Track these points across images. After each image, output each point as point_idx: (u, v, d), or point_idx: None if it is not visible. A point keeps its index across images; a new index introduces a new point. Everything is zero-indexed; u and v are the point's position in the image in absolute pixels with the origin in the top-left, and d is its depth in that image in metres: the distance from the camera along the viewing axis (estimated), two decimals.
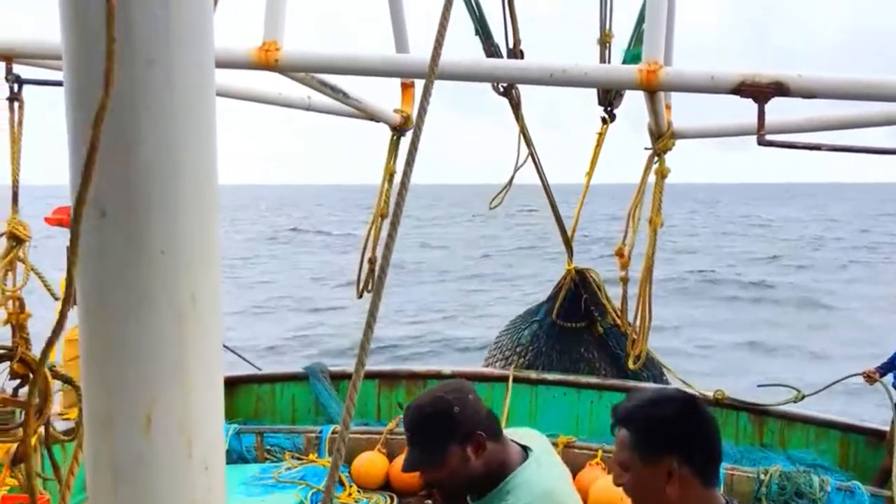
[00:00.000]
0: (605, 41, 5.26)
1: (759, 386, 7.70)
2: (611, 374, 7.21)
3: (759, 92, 3.11)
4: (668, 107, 5.14)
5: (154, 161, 1.38)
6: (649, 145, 5.26)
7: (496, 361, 7.58)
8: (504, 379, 7.24)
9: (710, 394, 6.74)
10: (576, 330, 7.36)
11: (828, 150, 3.07)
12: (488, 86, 5.26)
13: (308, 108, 4.89)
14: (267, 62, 3.48)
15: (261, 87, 4.67)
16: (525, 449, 2.46)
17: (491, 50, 5.02)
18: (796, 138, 3.62)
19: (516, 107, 5.86)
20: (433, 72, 1.53)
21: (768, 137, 3.12)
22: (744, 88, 3.13)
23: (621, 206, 7.65)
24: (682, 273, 33.30)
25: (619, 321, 7.00)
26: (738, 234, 58.82)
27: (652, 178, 5.35)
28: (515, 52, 5.01)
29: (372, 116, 5.28)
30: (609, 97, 5.55)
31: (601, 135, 6.03)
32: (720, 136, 5.26)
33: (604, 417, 7.03)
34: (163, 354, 1.37)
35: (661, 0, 3.46)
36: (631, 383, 7.03)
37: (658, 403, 1.95)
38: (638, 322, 6.09)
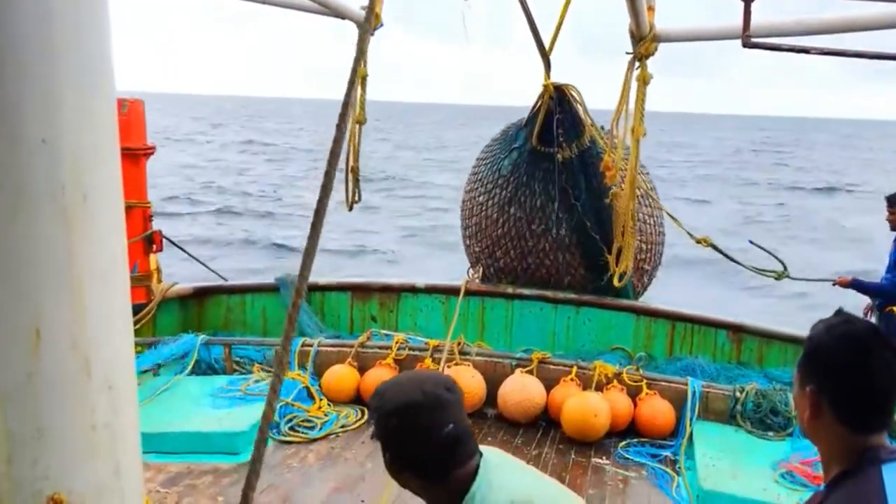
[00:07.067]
0: None
1: (749, 242, 7.28)
2: (588, 204, 6.70)
3: None
4: (651, 9, 4.88)
5: (30, 31, 1.18)
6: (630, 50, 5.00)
7: (479, 196, 7.27)
8: (480, 293, 7.14)
9: (698, 236, 6.57)
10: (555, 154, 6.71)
11: (817, 53, 2.86)
12: None
13: (272, 3, 4.61)
14: None
15: None
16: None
17: None
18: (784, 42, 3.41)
19: None
20: None
21: (754, 39, 2.90)
22: None
23: None
24: None
25: (600, 141, 6.43)
26: None
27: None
28: None
29: (337, 13, 4.98)
30: None
31: None
32: (705, 39, 5.00)
33: (580, 333, 6.95)
34: (48, 260, 1.18)
35: None
36: (608, 299, 6.94)
37: (828, 330, 1.84)
38: (623, 238, 5.94)
